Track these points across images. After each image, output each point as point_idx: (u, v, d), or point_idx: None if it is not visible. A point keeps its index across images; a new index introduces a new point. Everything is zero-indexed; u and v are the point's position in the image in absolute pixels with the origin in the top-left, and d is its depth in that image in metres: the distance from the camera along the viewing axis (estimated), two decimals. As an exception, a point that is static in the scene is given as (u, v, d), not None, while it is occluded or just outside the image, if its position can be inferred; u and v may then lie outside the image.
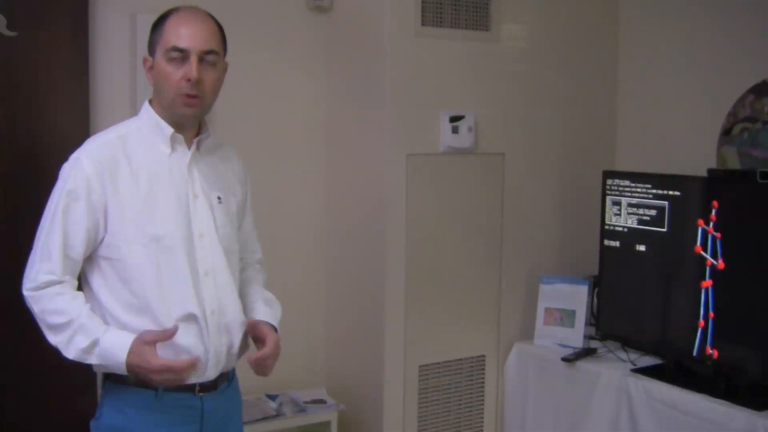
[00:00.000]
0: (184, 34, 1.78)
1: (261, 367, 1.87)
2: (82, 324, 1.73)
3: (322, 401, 3.03)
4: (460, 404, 3.11)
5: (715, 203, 2.56)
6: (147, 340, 1.72)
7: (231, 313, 1.89)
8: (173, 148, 1.85)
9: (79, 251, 1.77)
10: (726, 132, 2.95)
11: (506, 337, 3.17)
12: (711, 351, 2.56)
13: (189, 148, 1.88)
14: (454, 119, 2.96)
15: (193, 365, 1.75)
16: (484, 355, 3.15)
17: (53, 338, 1.75)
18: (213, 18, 1.87)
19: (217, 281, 1.87)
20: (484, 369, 3.15)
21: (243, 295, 1.99)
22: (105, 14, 2.74)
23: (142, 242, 1.78)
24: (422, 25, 2.89)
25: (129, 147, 1.82)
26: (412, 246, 2.95)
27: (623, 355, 2.89)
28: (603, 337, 3.00)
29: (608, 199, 2.92)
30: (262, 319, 1.95)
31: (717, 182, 2.66)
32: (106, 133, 1.86)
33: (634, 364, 2.82)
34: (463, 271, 3.06)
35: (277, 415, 2.89)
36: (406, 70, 2.89)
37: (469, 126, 2.98)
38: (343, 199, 3.17)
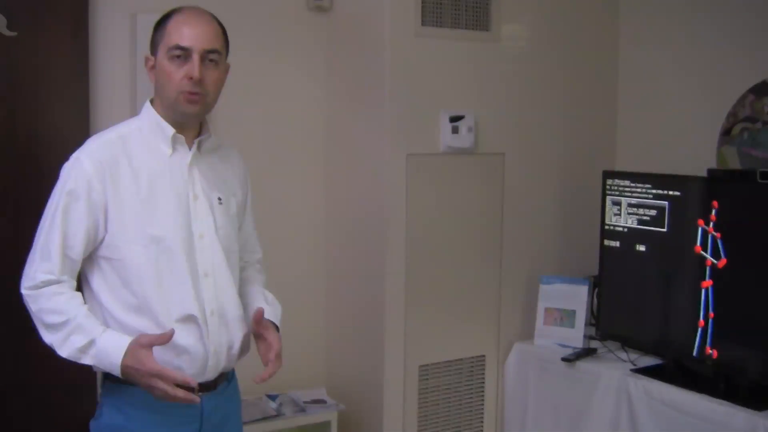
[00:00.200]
0: (186, 33, 1.78)
1: (277, 369, 1.89)
2: (80, 324, 1.73)
3: (322, 401, 3.03)
4: (460, 404, 3.12)
5: (715, 203, 2.56)
6: (143, 343, 1.71)
7: (231, 314, 1.89)
8: (174, 149, 1.85)
9: (78, 251, 1.77)
10: (726, 132, 2.95)
11: (506, 337, 3.17)
12: (711, 351, 2.56)
13: (190, 149, 1.88)
14: (454, 119, 2.96)
15: (185, 392, 1.70)
16: (484, 355, 3.15)
17: (48, 337, 1.75)
18: (215, 18, 1.87)
19: (217, 282, 1.87)
20: (484, 369, 3.15)
21: (243, 294, 1.99)
22: (105, 14, 2.74)
23: (142, 243, 1.78)
24: (422, 25, 2.89)
25: (130, 147, 1.82)
26: (412, 246, 2.95)
27: (623, 355, 2.89)
28: (603, 337, 3.00)
29: (608, 199, 2.92)
30: (265, 317, 1.95)
31: (717, 182, 2.66)
32: (107, 133, 1.86)
33: (634, 364, 2.82)
34: (463, 271, 3.07)
35: (277, 415, 2.89)
36: (406, 70, 2.89)
37: (469, 126, 2.98)
38: (343, 199, 3.17)
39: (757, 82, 2.84)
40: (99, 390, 1.92)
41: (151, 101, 1.88)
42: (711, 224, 2.56)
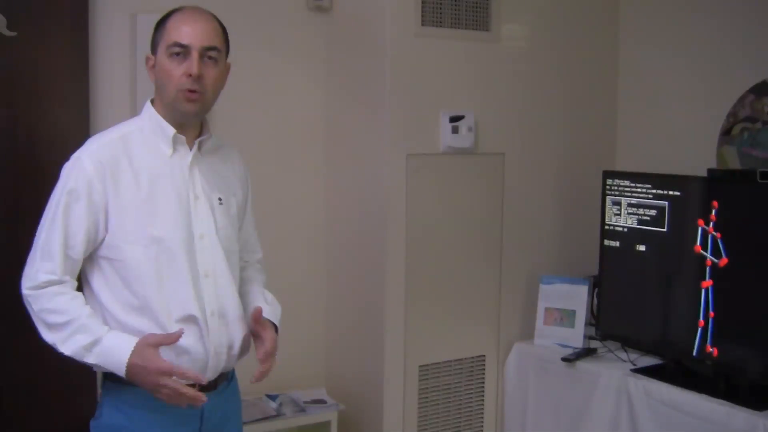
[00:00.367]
0: (186, 30, 1.79)
1: (269, 368, 1.88)
2: (84, 324, 1.73)
3: (322, 401, 3.03)
4: (460, 404, 3.12)
5: (715, 203, 2.56)
6: (151, 343, 1.72)
7: (231, 314, 1.89)
8: (175, 149, 1.85)
9: (79, 251, 1.77)
10: (726, 132, 2.95)
11: (506, 337, 3.17)
12: (711, 351, 2.56)
13: (191, 149, 1.87)
14: (454, 119, 2.96)
15: (194, 391, 1.73)
16: (484, 355, 3.15)
17: (50, 336, 1.75)
18: (216, 17, 1.87)
19: (218, 282, 1.87)
20: (484, 369, 3.15)
21: (243, 293, 1.99)
22: (105, 14, 2.74)
23: (142, 243, 1.78)
24: (422, 25, 2.89)
25: (130, 147, 1.82)
26: (412, 246, 2.95)
27: (623, 355, 2.89)
28: (603, 337, 2.99)
29: (608, 199, 2.92)
30: (264, 316, 1.95)
31: (717, 182, 2.66)
32: (108, 133, 1.86)
33: (634, 364, 2.82)
34: (463, 271, 3.07)
35: (277, 415, 2.89)
36: (406, 70, 2.89)
37: (469, 126, 2.98)
38: (343, 199, 3.17)
39: (757, 82, 2.84)
40: (99, 390, 1.92)
41: (152, 101, 1.88)
42: (711, 224, 2.57)
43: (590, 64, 3.33)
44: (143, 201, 1.79)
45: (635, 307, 2.88)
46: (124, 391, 1.80)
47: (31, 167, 2.59)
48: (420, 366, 3.01)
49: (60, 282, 1.76)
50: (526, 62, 3.15)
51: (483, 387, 3.16)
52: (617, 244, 2.90)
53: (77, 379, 2.56)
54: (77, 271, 1.81)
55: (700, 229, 2.60)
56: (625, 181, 2.86)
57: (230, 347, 1.89)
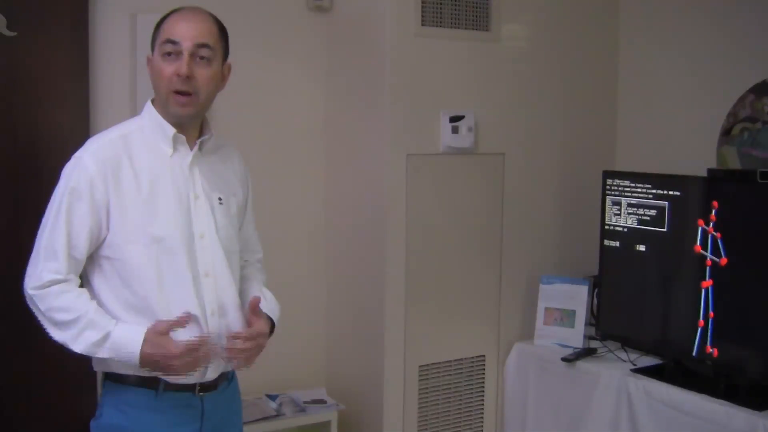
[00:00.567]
0: (179, 27, 1.79)
1: (235, 351, 1.85)
2: (92, 319, 1.73)
3: (322, 401, 3.03)
4: (460, 404, 3.12)
5: (715, 203, 2.56)
6: (161, 330, 1.73)
7: (231, 314, 1.89)
8: (175, 149, 1.85)
9: (82, 250, 1.77)
10: (726, 132, 2.95)
11: (506, 337, 3.17)
12: (711, 351, 2.56)
13: (191, 149, 1.88)
14: (454, 119, 2.96)
15: (204, 342, 1.77)
16: (484, 355, 3.15)
17: (59, 334, 1.75)
18: (215, 18, 1.87)
19: (218, 282, 1.87)
20: (484, 369, 3.15)
21: (242, 291, 1.99)
22: (105, 14, 2.74)
23: (143, 242, 1.78)
24: (422, 25, 2.89)
25: (131, 146, 1.82)
26: (412, 246, 2.95)
27: (623, 355, 2.89)
28: (603, 337, 3.00)
29: (608, 199, 2.92)
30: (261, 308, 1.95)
31: (717, 182, 2.66)
32: (109, 133, 1.86)
33: (634, 364, 2.82)
34: (463, 271, 3.07)
35: (277, 415, 2.89)
36: (406, 70, 2.89)
37: (469, 126, 2.98)
38: (343, 199, 3.17)
39: (757, 82, 2.84)
40: (99, 390, 1.92)
41: (153, 101, 1.89)
42: (711, 224, 2.57)
43: (590, 64, 3.33)
44: (144, 200, 1.79)
45: (635, 307, 2.88)
46: (124, 391, 1.80)
47: (31, 167, 2.59)
48: (420, 366, 3.01)
49: (65, 280, 1.76)
50: (526, 62, 3.15)
51: (483, 387, 3.16)
52: (617, 244, 2.90)
53: (77, 379, 2.56)
54: (80, 270, 1.81)
55: (700, 229, 2.60)
56: (625, 181, 2.86)
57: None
